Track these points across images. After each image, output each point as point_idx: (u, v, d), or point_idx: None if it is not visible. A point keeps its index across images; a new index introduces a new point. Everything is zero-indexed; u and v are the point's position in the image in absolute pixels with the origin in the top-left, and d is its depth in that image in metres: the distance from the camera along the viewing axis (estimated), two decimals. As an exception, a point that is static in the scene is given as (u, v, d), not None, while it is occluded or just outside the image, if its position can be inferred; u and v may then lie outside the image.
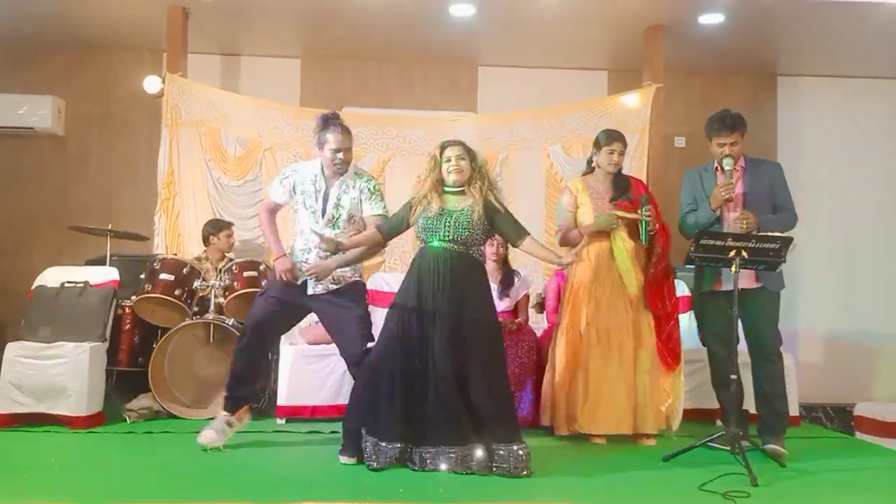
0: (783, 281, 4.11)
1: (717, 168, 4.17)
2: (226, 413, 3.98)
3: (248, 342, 3.97)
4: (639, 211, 4.18)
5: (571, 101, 6.71)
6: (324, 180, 4.01)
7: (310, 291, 3.94)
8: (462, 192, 3.78)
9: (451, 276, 3.64)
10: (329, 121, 3.98)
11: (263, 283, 4.39)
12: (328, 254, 3.84)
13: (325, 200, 3.99)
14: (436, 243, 3.69)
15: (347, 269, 3.97)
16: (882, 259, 7.29)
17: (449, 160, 3.79)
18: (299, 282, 3.94)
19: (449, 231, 3.67)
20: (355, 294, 4.01)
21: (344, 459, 3.62)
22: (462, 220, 3.69)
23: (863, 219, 7.29)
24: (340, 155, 3.96)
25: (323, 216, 3.97)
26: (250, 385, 4.08)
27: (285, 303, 3.97)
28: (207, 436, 3.90)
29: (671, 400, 4.28)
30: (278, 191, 4.08)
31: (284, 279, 3.92)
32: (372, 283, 5.45)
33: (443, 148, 3.85)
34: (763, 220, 4.01)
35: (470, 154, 3.84)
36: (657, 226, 4.21)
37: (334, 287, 3.95)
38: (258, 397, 4.73)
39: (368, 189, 4.02)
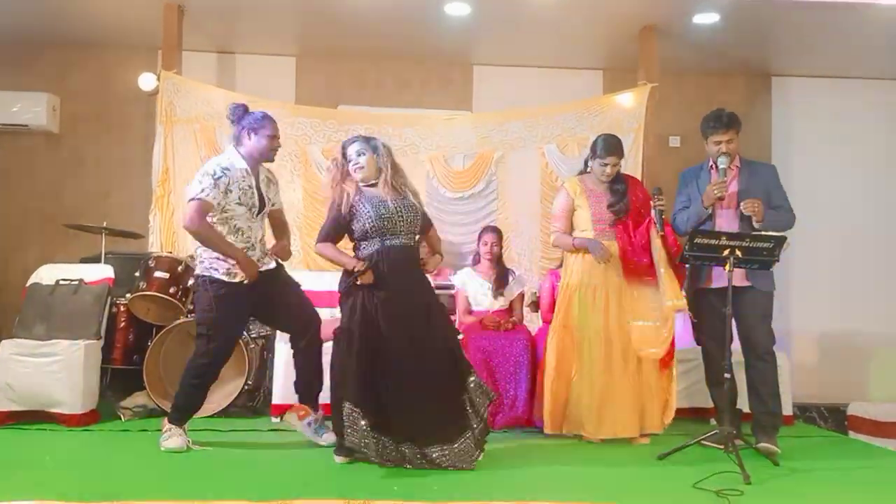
0: (773, 282, 4.13)
1: (712, 167, 4.18)
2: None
3: (212, 374, 3.91)
4: (651, 202, 4.22)
5: (566, 101, 6.72)
6: (250, 175, 3.89)
7: (262, 269, 3.92)
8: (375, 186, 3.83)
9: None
10: (249, 109, 3.94)
11: (210, 292, 3.89)
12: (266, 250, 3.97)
13: (260, 194, 3.92)
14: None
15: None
16: (876, 259, 7.31)
17: (351, 159, 3.83)
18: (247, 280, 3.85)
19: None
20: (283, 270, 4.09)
21: (339, 460, 3.62)
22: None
23: (857, 219, 7.31)
24: (278, 143, 3.93)
25: (259, 211, 3.92)
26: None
27: (245, 314, 4.04)
28: (328, 437, 3.94)
29: (671, 398, 4.29)
30: (215, 192, 3.76)
31: (250, 280, 3.82)
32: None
33: (343, 148, 3.89)
34: (768, 213, 4.02)
35: (371, 146, 3.84)
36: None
37: (274, 266, 4.00)
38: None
39: (275, 179, 4.09)
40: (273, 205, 4.07)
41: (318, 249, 3.85)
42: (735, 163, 4.19)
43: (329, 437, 3.93)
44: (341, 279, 3.82)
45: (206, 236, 3.79)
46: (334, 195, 3.81)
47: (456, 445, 3.53)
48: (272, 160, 3.98)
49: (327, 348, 3.92)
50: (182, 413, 3.92)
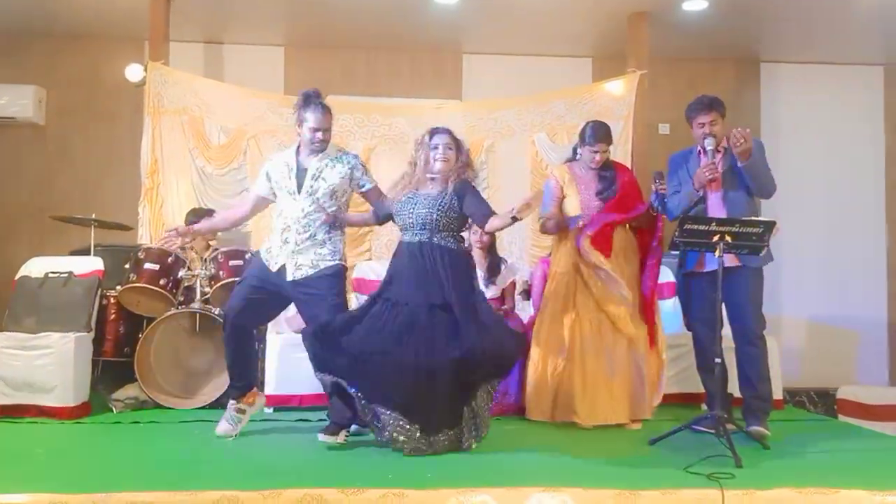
0: (770, 255, 4.10)
1: (700, 151, 4.19)
2: (232, 401, 4.02)
3: (229, 334, 3.96)
4: (652, 187, 4.23)
5: (556, 89, 6.72)
6: (296, 160, 3.98)
7: (289, 277, 3.88)
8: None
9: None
10: (310, 98, 3.94)
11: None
12: (311, 232, 3.88)
13: (300, 176, 3.93)
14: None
15: (327, 252, 3.91)
16: (865, 244, 7.37)
17: (437, 147, 3.83)
18: (275, 269, 3.90)
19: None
20: (333, 280, 3.91)
21: (323, 438, 3.66)
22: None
23: (846, 204, 7.36)
24: (319, 135, 3.92)
25: (300, 191, 3.91)
26: (247, 372, 4.09)
27: (263, 289, 3.94)
28: (222, 427, 3.95)
29: (660, 382, 4.32)
30: (258, 182, 4.10)
31: (166, 239, 4.16)
32: (359, 272, 5.45)
33: (431, 134, 3.89)
34: (755, 156, 3.99)
35: (456, 143, 3.89)
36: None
37: (313, 272, 3.88)
38: (258, 381, 4.57)
39: (361, 165, 4.07)
40: (334, 193, 3.94)
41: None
42: (722, 145, 4.20)
43: None
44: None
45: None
46: (402, 184, 3.90)
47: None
48: (320, 150, 3.96)
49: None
50: (231, 387, 4.12)
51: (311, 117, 3.91)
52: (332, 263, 3.91)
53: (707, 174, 4.05)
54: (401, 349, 3.58)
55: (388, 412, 3.57)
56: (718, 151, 4.17)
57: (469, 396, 3.66)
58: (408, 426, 3.55)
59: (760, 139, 4.31)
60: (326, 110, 3.94)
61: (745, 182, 4.10)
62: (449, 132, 3.91)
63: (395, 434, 3.56)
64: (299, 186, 3.92)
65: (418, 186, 3.85)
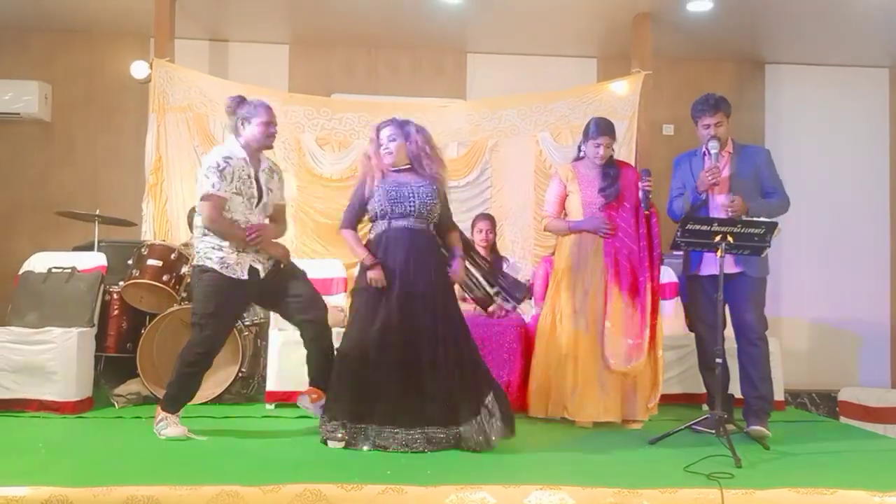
0: (767, 267, 4.13)
1: (705, 153, 4.19)
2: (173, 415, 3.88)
3: (205, 362, 3.87)
4: (639, 184, 4.23)
5: (560, 89, 6.71)
6: (249, 164, 3.86)
7: (262, 275, 3.88)
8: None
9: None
10: (247, 98, 3.92)
11: (204, 282, 3.82)
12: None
13: (259, 184, 3.89)
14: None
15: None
16: (867, 246, 7.35)
17: (382, 142, 3.85)
18: (246, 276, 3.82)
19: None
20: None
21: (333, 444, 3.64)
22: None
23: (848, 206, 7.35)
24: (273, 129, 3.88)
25: (259, 202, 3.88)
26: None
27: (238, 307, 4.00)
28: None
29: (657, 383, 4.31)
30: (224, 185, 3.75)
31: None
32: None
33: (377, 129, 3.90)
34: (753, 206, 4.03)
35: (403, 132, 3.86)
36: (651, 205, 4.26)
37: (274, 265, 3.94)
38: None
39: (279, 171, 4.08)
40: (276, 198, 4.03)
41: (342, 235, 3.93)
42: (728, 147, 4.20)
43: None
44: (358, 275, 3.89)
45: (226, 231, 3.78)
46: (361, 177, 3.89)
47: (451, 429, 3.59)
48: (268, 147, 3.94)
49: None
50: (175, 401, 3.90)
51: (263, 111, 3.85)
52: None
53: (710, 178, 4.04)
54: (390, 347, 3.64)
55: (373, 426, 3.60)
56: (723, 155, 4.16)
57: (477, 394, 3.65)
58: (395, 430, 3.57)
59: (766, 147, 4.30)
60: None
61: (750, 186, 4.09)
62: (393, 123, 3.87)
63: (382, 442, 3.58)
64: (259, 197, 3.89)
65: (387, 177, 3.82)
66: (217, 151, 3.88)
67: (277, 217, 4.09)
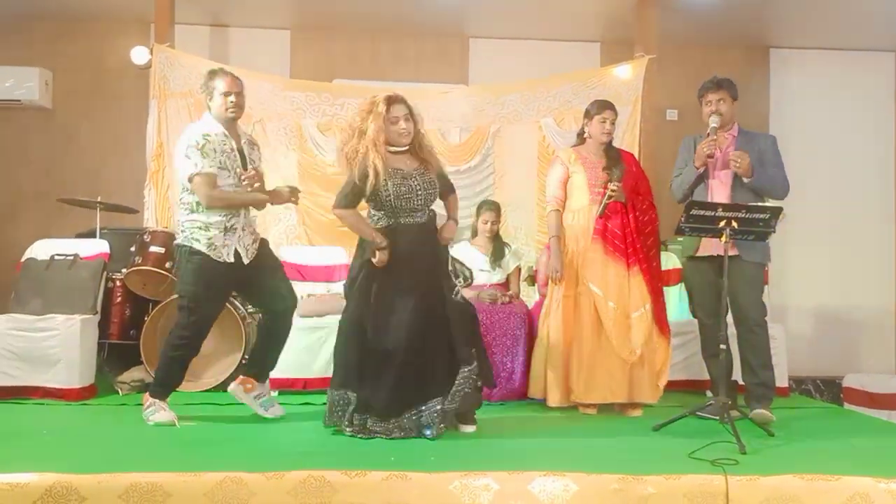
0: (768, 254, 4.12)
1: (709, 133, 4.17)
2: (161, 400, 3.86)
3: (193, 347, 3.87)
4: (608, 183, 4.22)
5: (563, 73, 6.67)
6: (230, 138, 3.81)
7: (246, 261, 3.86)
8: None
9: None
10: (215, 71, 3.90)
11: (191, 264, 3.77)
12: (251, 218, 3.89)
13: (242, 158, 3.85)
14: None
15: (255, 226, 3.97)
16: (872, 232, 7.32)
17: (397, 120, 3.64)
18: (232, 259, 3.79)
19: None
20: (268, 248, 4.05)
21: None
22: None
23: (854, 191, 7.31)
24: (232, 98, 3.80)
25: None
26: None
27: (228, 288, 4.00)
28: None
29: (664, 367, 4.30)
30: (206, 161, 3.69)
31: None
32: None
33: (388, 103, 3.61)
34: (758, 174, 4.01)
35: (413, 115, 3.70)
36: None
37: (255, 245, 3.93)
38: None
39: (256, 143, 4.05)
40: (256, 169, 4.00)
41: (338, 214, 3.72)
42: (732, 131, 4.18)
43: (275, 411, 4.01)
44: (355, 256, 3.78)
45: (230, 200, 3.76)
46: (359, 154, 3.57)
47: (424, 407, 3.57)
48: (235, 116, 3.86)
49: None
50: (163, 387, 3.88)
51: (221, 82, 3.80)
52: (260, 237, 4.00)
53: (705, 149, 4.02)
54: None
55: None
56: (726, 137, 4.14)
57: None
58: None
59: (770, 132, 4.28)
60: (235, 76, 3.87)
61: (757, 166, 4.06)
62: (404, 100, 3.67)
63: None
64: (244, 170, 3.85)
65: (387, 162, 3.59)
66: (193, 129, 3.82)
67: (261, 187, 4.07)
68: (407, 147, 3.70)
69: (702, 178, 4.13)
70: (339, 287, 5.28)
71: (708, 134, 4.08)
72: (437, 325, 3.63)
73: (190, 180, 3.72)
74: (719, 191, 4.09)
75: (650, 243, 4.29)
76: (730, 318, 4.00)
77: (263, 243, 4.03)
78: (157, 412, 3.81)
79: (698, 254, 4.14)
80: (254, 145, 4.04)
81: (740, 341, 4.17)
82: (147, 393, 3.90)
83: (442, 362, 3.62)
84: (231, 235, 3.79)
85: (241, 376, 4.05)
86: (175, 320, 3.89)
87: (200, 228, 3.74)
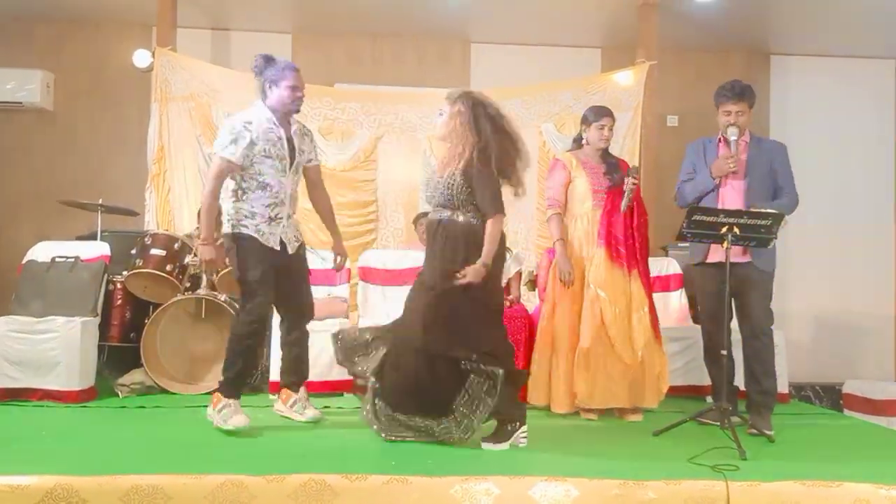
0: (774, 261, 4.11)
1: (720, 140, 4.15)
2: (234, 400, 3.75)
3: (261, 332, 3.83)
4: (625, 180, 4.21)
5: (564, 79, 6.69)
6: (279, 126, 3.75)
7: (291, 251, 3.86)
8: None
9: None
10: (274, 58, 3.78)
11: (245, 245, 3.75)
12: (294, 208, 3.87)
13: (291, 146, 3.80)
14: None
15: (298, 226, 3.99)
16: (872, 238, 7.33)
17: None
18: (278, 247, 3.79)
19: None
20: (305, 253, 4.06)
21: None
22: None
23: (853, 198, 7.33)
24: (300, 94, 3.77)
25: (291, 164, 3.80)
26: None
27: (274, 273, 3.88)
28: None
29: (663, 371, 4.30)
30: (233, 148, 3.64)
31: (206, 267, 3.81)
32: (363, 261, 5.44)
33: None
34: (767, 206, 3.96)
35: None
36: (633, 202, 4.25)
37: (298, 244, 3.93)
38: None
39: (308, 132, 4.00)
40: (309, 160, 3.97)
41: (500, 220, 3.69)
42: (745, 137, 4.15)
43: (311, 413, 3.97)
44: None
45: (207, 203, 3.71)
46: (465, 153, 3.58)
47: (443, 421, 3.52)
48: (296, 111, 3.83)
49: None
50: (236, 384, 3.74)
51: (290, 75, 3.72)
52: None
53: (730, 165, 4.00)
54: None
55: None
56: (740, 144, 4.10)
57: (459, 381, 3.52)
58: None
59: (784, 143, 4.26)
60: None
61: (765, 177, 4.06)
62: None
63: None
64: (292, 159, 3.81)
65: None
66: (240, 115, 3.77)
67: (315, 180, 4.04)
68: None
69: (714, 188, 4.12)
70: (340, 290, 5.30)
71: (726, 141, 4.04)
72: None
73: (215, 154, 3.72)
74: (731, 199, 4.05)
75: (644, 246, 4.30)
76: (733, 324, 3.99)
77: (303, 246, 4.02)
78: (234, 415, 3.64)
79: (708, 260, 4.12)
80: (305, 135, 3.95)
81: (745, 348, 4.14)
82: (217, 392, 3.77)
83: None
84: (276, 225, 3.78)
85: (283, 388, 4.05)
86: (236, 311, 3.87)
87: (247, 216, 3.74)
